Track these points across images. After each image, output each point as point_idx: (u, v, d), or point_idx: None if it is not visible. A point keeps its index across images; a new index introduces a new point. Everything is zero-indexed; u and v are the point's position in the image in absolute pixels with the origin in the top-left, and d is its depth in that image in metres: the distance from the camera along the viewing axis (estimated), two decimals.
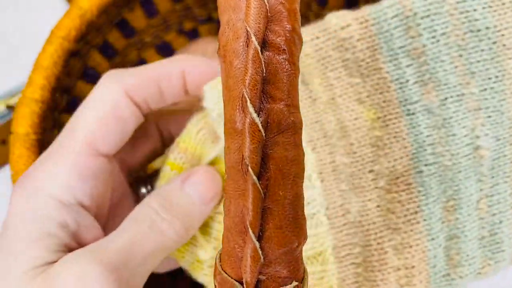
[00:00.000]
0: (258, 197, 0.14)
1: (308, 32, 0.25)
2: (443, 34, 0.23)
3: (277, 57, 0.14)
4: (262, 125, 0.14)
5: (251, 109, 0.13)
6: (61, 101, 0.32)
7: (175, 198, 0.23)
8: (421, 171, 0.23)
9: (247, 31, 0.14)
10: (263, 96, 0.14)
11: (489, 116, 0.23)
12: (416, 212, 0.23)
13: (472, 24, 0.23)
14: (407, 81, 0.24)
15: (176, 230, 0.23)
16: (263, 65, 0.14)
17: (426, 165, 0.23)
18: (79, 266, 0.20)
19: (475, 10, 0.23)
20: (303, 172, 0.15)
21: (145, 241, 0.22)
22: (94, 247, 0.21)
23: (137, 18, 0.36)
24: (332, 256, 0.24)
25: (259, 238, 0.14)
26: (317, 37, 0.25)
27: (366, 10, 0.24)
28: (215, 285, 0.15)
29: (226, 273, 0.15)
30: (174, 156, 0.25)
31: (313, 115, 0.25)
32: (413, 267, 0.23)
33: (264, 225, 0.14)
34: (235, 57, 0.14)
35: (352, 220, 0.24)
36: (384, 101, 0.24)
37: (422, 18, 0.23)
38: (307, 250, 0.24)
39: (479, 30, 0.23)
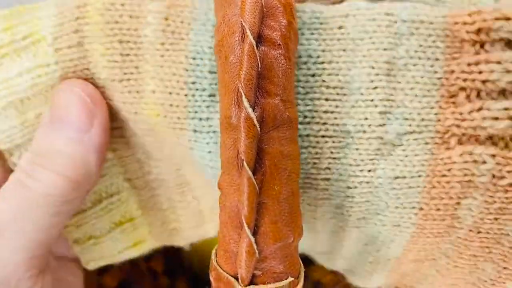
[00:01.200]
0: (253, 191, 0.14)
1: None
2: None
3: (273, 52, 0.14)
4: (257, 120, 0.14)
5: (246, 103, 0.13)
6: None
7: (45, 144, 0.19)
8: None
9: (243, 26, 0.14)
10: (259, 91, 0.14)
11: None
12: None
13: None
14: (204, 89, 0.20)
15: (46, 181, 0.18)
16: (259, 60, 0.14)
17: None
18: None
19: (302, 34, 0.19)
20: (299, 168, 0.15)
21: (11, 203, 0.18)
22: None
23: None
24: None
25: (254, 233, 0.14)
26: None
27: None
28: (210, 281, 0.15)
29: (221, 268, 0.15)
30: None
31: None
32: None
33: (259, 220, 0.14)
34: (230, 52, 0.14)
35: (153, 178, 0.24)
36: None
37: None
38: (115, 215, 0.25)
39: (300, 57, 0.19)
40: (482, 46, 0.19)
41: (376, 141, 0.20)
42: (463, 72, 0.19)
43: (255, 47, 0.14)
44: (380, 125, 0.19)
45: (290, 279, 0.14)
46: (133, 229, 0.26)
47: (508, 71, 0.18)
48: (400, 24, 0.19)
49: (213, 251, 0.15)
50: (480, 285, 0.21)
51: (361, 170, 0.20)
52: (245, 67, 0.13)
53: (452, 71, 0.19)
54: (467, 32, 0.19)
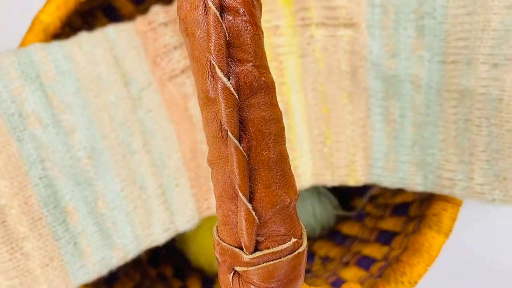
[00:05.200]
0: (242, 159, 0.14)
1: None
2: None
3: (238, 20, 0.14)
4: (234, 89, 0.14)
5: (220, 74, 0.13)
6: None
7: None
8: (37, 184, 0.26)
9: None
10: (231, 60, 0.14)
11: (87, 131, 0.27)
12: (38, 220, 0.26)
13: None
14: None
15: None
16: (225, 29, 0.14)
17: (40, 178, 0.26)
18: None
19: None
20: (284, 131, 0.15)
21: None
22: None
23: (103, 26, 0.36)
24: None
25: (251, 200, 0.14)
26: None
27: None
28: (216, 258, 0.15)
29: (224, 242, 0.15)
30: None
31: None
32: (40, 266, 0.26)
33: (253, 187, 0.14)
34: (196, 27, 0.14)
35: None
36: None
37: None
38: None
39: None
40: None
41: None
42: None
43: (220, 17, 0.14)
44: None
45: (293, 240, 0.14)
46: None
47: None
48: None
49: (214, 228, 0.15)
50: None
51: None
52: (213, 39, 0.14)
53: None
54: None
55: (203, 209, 0.29)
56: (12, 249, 0.25)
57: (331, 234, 0.41)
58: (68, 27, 0.32)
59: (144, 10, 0.39)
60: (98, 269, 0.27)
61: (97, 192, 0.28)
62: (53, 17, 0.30)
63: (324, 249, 0.40)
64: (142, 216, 0.28)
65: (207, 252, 0.40)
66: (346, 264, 0.36)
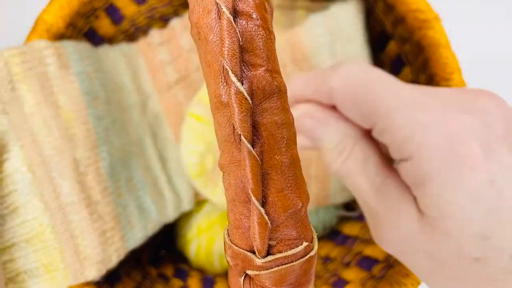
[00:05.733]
0: (256, 164, 0.14)
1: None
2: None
3: (251, 24, 0.14)
4: (247, 93, 0.14)
5: (233, 78, 0.13)
6: None
7: None
8: (104, 158, 0.30)
9: (217, 3, 0.14)
10: (244, 65, 0.14)
11: (121, 124, 0.33)
12: (105, 189, 0.29)
13: None
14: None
15: None
16: (239, 34, 0.14)
17: (107, 154, 0.30)
18: None
19: None
20: (295, 135, 0.15)
21: None
22: None
23: (104, 26, 0.36)
24: (53, 234, 0.27)
25: (263, 204, 0.14)
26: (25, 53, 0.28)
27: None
28: (227, 261, 0.15)
29: (236, 245, 0.15)
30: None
31: (21, 118, 0.27)
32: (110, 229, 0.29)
33: (265, 191, 0.14)
34: (209, 31, 0.14)
35: (65, 200, 0.28)
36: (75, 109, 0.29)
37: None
38: (28, 233, 0.27)
39: None
40: None
41: None
42: None
43: (233, 22, 0.14)
44: None
45: (305, 244, 0.15)
46: (43, 247, 0.28)
47: None
48: None
49: (225, 231, 0.15)
50: None
51: None
52: (227, 43, 0.14)
53: None
54: None
55: (197, 193, 0.36)
56: (91, 210, 0.28)
57: (332, 234, 0.41)
58: (72, 28, 0.32)
59: (145, 10, 0.39)
60: (141, 236, 0.31)
61: (130, 173, 0.32)
62: (56, 17, 0.30)
63: (325, 249, 0.40)
64: (159, 197, 0.34)
65: (208, 252, 0.40)
66: (347, 264, 0.36)
